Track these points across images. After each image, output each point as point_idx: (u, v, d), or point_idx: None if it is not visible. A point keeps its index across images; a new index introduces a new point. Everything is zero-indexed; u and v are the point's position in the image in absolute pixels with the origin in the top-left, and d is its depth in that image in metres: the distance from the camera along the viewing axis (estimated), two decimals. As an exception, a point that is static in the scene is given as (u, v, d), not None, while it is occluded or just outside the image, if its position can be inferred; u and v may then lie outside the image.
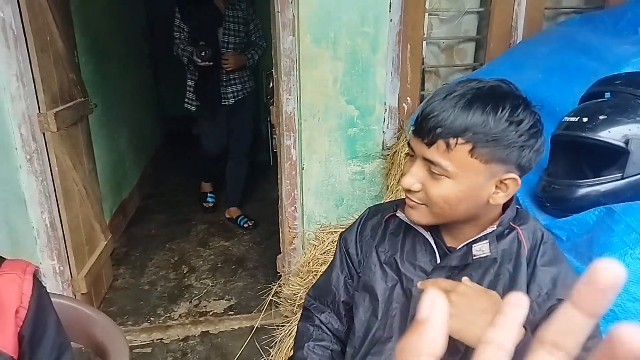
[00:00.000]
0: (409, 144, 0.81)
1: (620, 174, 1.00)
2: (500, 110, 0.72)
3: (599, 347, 0.20)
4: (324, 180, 2.04)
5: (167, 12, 5.15)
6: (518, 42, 1.92)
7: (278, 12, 1.84)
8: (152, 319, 2.29)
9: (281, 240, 2.14)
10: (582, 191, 1.02)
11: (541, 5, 1.92)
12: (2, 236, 1.99)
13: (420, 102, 2.02)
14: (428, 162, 0.76)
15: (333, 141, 1.99)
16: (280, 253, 2.19)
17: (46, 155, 2.01)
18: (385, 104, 1.99)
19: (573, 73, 1.34)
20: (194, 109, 3.01)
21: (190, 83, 3.00)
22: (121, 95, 3.39)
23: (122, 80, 3.46)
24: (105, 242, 2.48)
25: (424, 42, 1.98)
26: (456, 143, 0.72)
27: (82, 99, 2.36)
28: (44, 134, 1.98)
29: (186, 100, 3.03)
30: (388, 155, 2.03)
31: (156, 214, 3.34)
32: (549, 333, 0.22)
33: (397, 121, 2.02)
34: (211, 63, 2.77)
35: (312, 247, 1.91)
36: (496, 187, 0.77)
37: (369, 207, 1.02)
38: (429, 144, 0.75)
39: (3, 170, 1.91)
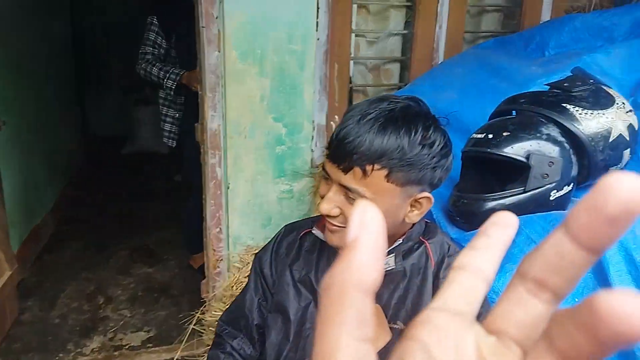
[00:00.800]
0: (323, 167, 0.79)
1: (523, 188, 1.03)
2: (414, 133, 0.73)
3: (569, 314, 0.15)
4: (250, 200, 1.97)
5: (94, 27, 5.00)
6: (439, 63, 1.99)
7: (203, 27, 1.79)
8: (60, 355, 2.07)
9: (206, 264, 2.03)
10: (489, 205, 1.04)
11: (461, 29, 2.01)
12: None
13: (349, 121, 2.02)
14: (344, 188, 0.75)
15: (260, 159, 1.94)
16: (204, 278, 2.07)
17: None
18: (313, 122, 1.97)
19: (485, 93, 1.39)
20: (174, 144, 2.49)
21: (170, 112, 2.47)
22: (37, 113, 3.15)
23: (38, 97, 3.22)
24: (10, 272, 2.24)
25: (352, 62, 2.00)
26: (372, 169, 0.72)
27: (-13, 115, 2.15)
28: None
29: (165, 134, 2.48)
30: (316, 173, 2.01)
31: (73, 240, 3.08)
32: (534, 267, 0.17)
33: (325, 139, 2.01)
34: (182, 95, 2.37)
35: (237, 269, 1.82)
36: (411, 206, 0.78)
37: (285, 225, 0.98)
38: (345, 170, 0.74)
39: None
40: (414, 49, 2.00)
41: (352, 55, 2.00)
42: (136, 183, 4.04)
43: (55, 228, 3.23)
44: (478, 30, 2.14)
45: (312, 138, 1.99)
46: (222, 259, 1.95)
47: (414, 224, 0.83)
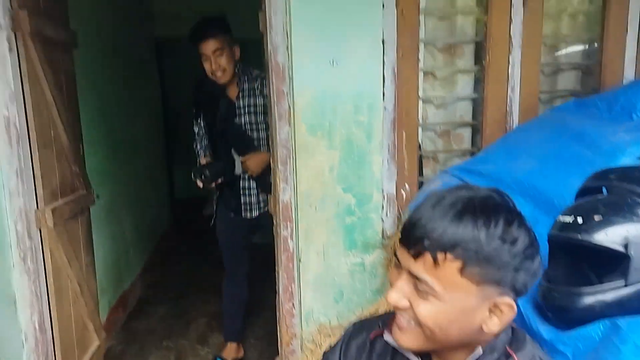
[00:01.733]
0: (395, 254, 0.74)
1: (623, 281, 0.89)
2: (493, 225, 0.66)
3: None
4: (322, 273, 1.93)
5: (182, 92, 5.42)
6: (514, 127, 1.89)
7: (274, 102, 1.87)
8: None
9: (279, 340, 2.00)
10: (585, 301, 0.91)
11: (535, 90, 1.91)
12: (-14, 339, 1.90)
13: (419, 189, 1.97)
14: (414, 277, 0.69)
15: (331, 231, 1.92)
16: (278, 355, 2.04)
17: (41, 252, 1.97)
18: (382, 191, 1.93)
19: (569, 162, 1.28)
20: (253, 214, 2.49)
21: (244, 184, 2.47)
22: (128, 182, 3.40)
23: (130, 167, 3.49)
24: (99, 343, 2.36)
25: (420, 128, 1.96)
26: (445, 259, 0.66)
27: (85, 192, 2.36)
28: (40, 230, 1.96)
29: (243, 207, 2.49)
30: (388, 245, 1.94)
31: (157, 305, 3.22)
32: None
33: (396, 209, 1.95)
34: (218, 182, 2.37)
35: (309, 351, 1.77)
36: (490, 311, 0.69)
37: (354, 324, 0.93)
38: (415, 256, 0.69)
39: (-5, 270, 1.87)
40: (485, 113, 1.93)
41: (421, 122, 1.97)
42: (215, 245, 4.19)
43: (141, 292, 3.41)
44: (554, 89, 2.03)
45: (382, 208, 1.95)
46: (294, 337, 1.91)
47: (496, 335, 0.74)
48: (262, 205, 2.44)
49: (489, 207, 0.68)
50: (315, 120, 1.85)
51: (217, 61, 2.22)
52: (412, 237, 0.69)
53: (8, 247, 1.87)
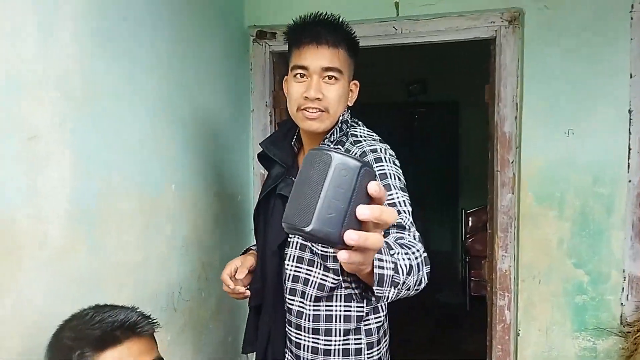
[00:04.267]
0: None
1: None
2: None
3: None
4: (544, 352, 1.80)
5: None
6: None
7: (497, 170, 1.86)
8: None
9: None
10: None
11: None
12: None
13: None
14: None
15: (556, 308, 1.78)
16: None
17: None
18: (624, 271, 1.73)
19: None
20: None
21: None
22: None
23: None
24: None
25: (675, 204, 1.71)
26: None
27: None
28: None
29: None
30: (629, 333, 1.70)
31: None
32: None
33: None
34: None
35: None
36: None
37: None
38: None
39: None
40: None
41: (678, 196, 1.72)
42: (402, 300, 4.23)
43: None
44: None
45: (623, 290, 1.73)
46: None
47: None
48: None
49: None
50: (543, 190, 1.78)
51: (324, 88, 1.12)
52: None
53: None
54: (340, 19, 1.13)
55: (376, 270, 0.64)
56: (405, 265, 0.72)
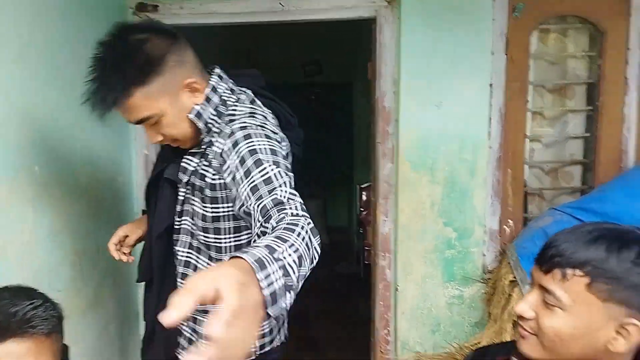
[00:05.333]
0: (531, 274, 0.80)
1: None
2: (626, 250, 0.70)
3: None
4: (419, 304, 1.97)
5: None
6: (630, 166, 1.83)
7: (378, 142, 1.98)
8: None
9: (374, 365, 2.05)
10: None
11: (655, 130, 1.84)
12: None
13: (524, 225, 1.96)
14: (544, 290, 0.75)
15: (429, 263, 1.96)
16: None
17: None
18: (485, 226, 1.95)
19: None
20: None
21: None
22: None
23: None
24: None
25: (526, 166, 1.96)
26: (573, 274, 0.71)
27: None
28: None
29: None
30: (489, 279, 1.94)
31: None
32: None
33: (499, 244, 1.95)
34: None
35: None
36: (616, 332, 0.71)
37: (476, 350, 0.96)
38: (546, 272, 0.74)
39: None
40: (598, 152, 1.88)
41: (527, 159, 1.97)
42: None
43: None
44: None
45: (484, 242, 1.96)
46: (390, 362, 1.95)
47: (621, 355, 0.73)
48: None
49: (627, 237, 0.72)
50: (418, 159, 1.93)
51: (155, 129, 1.07)
52: (546, 255, 0.75)
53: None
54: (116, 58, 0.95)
55: (265, 292, 0.56)
56: (294, 260, 0.66)
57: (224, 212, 1.08)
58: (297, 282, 0.66)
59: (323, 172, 5.44)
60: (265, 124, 1.05)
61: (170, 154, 1.15)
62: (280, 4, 1.91)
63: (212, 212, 1.08)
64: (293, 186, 0.92)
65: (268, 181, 0.91)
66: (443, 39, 1.87)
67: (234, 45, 4.12)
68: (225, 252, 1.12)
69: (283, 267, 0.62)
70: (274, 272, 0.59)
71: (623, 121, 1.85)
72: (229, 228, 1.10)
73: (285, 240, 0.68)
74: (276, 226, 0.77)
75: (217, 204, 1.07)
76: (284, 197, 0.87)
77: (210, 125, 1.06)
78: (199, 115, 1.04)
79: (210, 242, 1.10)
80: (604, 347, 0.72)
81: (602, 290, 0.70)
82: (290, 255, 0.66)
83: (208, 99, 1.05)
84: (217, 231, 1.11)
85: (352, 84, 5.26)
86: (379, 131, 1.98)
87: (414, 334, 1.99)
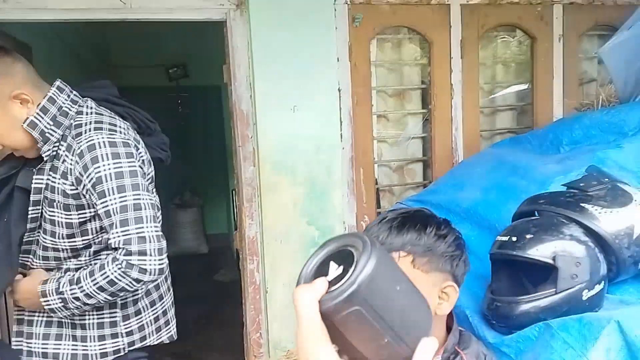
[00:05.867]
0: None
1: (554, 289, 1.05)
2: (429, 226, 0.87)
3: None
4: (289, 304, 2.02)
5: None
6: (459, 161, 2.10)
7: (239, 146, 1.98)
8: None
9: (247, 370, 2.06)
10: (523, 307, 1.06)
11: (476, 129, 2.14)
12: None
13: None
14: None
15: (295, 262, 2.03)
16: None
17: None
18: (344, 223, 2.07)
19: (507, 191, 1.46)
20: None
21: None
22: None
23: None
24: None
25: (376, 165, 2.13)
26: (399, 257, 0.84)
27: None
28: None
29: None
30: (351, 273, 2.06)
31: None
32: None
33: (357, 239, 2.09)
34: None
35: (278, 377, 1.84)
36: (439, 297, 0.87)
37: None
38: None
39: None
40: (433, 150, 2.13)
41: (376, 159, 2.14)
42: (177, 285, 4.18)
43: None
44: (494, 128, 2.27)
45: (344, 239, 2.08)
46: (263, 365, 1.98)
47: (449, 331, 0.89)
48: None
49: (423, 216, 0.90)
50: (278, 160, 1.98)
51: None
52: None
53: None
54: None
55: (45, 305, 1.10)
56: (77, 296, 1.08)
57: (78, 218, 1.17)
58: (81, 307, 1.10)
59: (198, 179, 5.28)
60: (113, 135, 1.10)
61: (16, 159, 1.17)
62: (121, 1, 1.81)
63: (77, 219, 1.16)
64: (134, 208, 1.06)
65: (107, 215, 1.06)
66: (293, 44, 1.94)
67: (88, 45, 3.80)
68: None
69: (63, 299, 1.09)
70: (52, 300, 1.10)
71: (452, 122, 2.12)
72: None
73: (89, 276, 1.08)
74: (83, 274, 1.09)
75: (70, 211, 1.14)
76: (117, 242, 1.05)
77: (48, 135, 1.10)
78: (33, 124, 1.09)
79: (45, 243, 1.19)
80: (434, 314, 0.85)
81: (423, 263, 0.85)
82: (76, 292, 1.08)
83: (45, 109, 1.10)
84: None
85: (220, 87, 5.19)
86: (238, 135, 1.98)
87: (286, 333, 2.03)
